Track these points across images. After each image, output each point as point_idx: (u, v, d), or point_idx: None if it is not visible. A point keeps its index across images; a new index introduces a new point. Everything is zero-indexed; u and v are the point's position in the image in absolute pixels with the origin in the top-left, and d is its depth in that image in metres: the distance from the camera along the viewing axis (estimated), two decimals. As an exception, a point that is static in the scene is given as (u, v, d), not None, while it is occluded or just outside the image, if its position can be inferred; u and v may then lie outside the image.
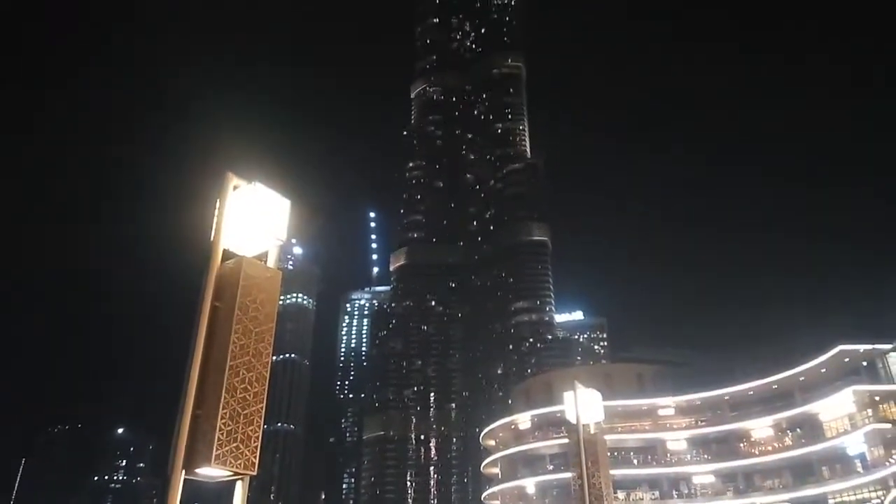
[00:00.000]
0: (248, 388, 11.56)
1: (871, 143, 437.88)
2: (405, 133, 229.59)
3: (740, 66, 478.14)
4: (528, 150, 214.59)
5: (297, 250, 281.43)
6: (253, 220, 16.40)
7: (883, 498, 60.41)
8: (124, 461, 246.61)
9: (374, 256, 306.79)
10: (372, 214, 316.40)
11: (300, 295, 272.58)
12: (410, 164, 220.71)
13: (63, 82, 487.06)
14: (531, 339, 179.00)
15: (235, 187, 16.84)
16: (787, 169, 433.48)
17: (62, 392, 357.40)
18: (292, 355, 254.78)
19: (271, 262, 15.99)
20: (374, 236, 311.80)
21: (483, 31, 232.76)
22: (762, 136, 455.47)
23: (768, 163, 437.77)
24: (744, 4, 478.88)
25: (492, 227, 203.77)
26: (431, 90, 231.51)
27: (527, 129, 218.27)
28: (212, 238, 15.33)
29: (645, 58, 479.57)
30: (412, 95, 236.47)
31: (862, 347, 63.94)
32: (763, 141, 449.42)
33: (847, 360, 65.02)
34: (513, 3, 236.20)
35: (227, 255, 14.68)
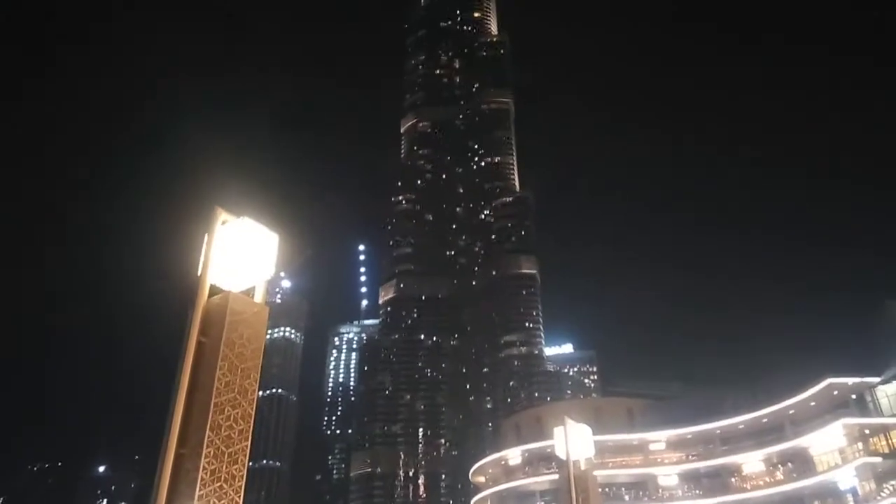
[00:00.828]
0: (233, 425, 11.36)
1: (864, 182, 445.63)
2: (395, 166, 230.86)
3: (729, 104, 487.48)
4: (516, 183, 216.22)
5: (286, 283, 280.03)
6: (241, 255, 16.33)
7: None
8: (105, 500, 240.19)
9: (363, 289, 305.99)
10: (361, 247, 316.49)
11: (288, 329, 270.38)
12: (400, 197, 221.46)
13: (46, 104, 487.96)
14: (521, 373, 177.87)
15: (224, 222, 16.81)
16: (774, 206, 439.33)
17: (43, 428, 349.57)
18: (279, 390, 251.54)
19: (259, 296, 15.87)
20: (363, 269, 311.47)
21: (472, 67, 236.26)
22: (751, 171, 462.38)
23: (757, 199, 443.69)
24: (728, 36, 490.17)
25: (481, 260, 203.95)
26: (421, 124, 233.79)
27: (515, 162, 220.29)
28: (199, 273, 15.26)
29: (630, 96, 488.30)
30: (402, 130, 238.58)
31: (850, 381, 64.02)
32: (753, 177, 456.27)
33: (836, 392, 64.98)
34: (500, 40, 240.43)
35: (214, 290, 14.58)
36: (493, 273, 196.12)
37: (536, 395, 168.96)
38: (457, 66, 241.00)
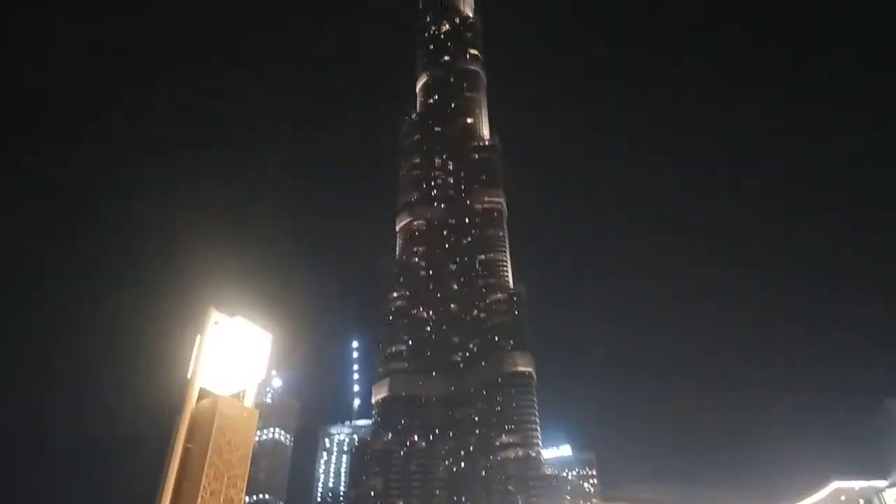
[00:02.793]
0: (217, 538, 10.78)
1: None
2: (389, 264, 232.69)
3: (726, 192, 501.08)
4: (510, 280, 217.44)
5: (277, 382, 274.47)
6: (233, 357, 16.14)
7: None
8: None
9: (356, 388, 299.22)
10: (355, 344, 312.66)
11: (277, 430, 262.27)
12: (394, 294, 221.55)
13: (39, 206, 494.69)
14: (518, 477, 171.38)
15: (217, 322, 16.72)
16: (776, 303, 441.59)
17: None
18: (266, 496, 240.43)
19: (249, 400, 15.53)
20: (356, 367, 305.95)
21: (464, 169, 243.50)
22: (743, 268, 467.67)
23: (758, 298, 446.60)
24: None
25: (476, 358, 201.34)
26: (416, 223, 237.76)
27: (509, 260, 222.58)
28: (189, 376, 15.03)
29: (614, 196, 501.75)
30: (397, 228, 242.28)
31: (857, 485, 62.19)
32: (745, 269, 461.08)
33: (843, 498, 62.84)
34: (492, 144, 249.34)
35: (204, 393, 14.28)
36: (489, 371, 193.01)
37: (535, 500, 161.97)
38: (450, 167, 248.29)
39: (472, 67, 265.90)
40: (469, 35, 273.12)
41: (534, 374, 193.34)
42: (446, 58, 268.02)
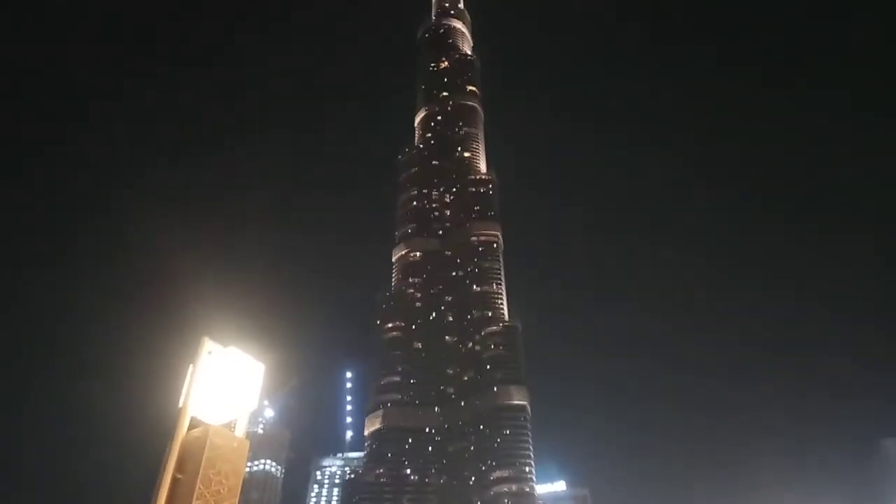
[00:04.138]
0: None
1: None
2: (385, 295, 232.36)
3: (726, 223, 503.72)
4: (505, 312, 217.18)
5: (269, 413, 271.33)
6: (225, 387, 16.22)
7: None
8: None
9: (349, 419, 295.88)
10: (349, 374, 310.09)
11: (268, 461, 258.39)
12: (389, 325, 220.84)
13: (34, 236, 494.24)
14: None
15: (210, 352, 16.84)
16: (768, 340, 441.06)
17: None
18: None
19: (240, 430, 15.55)
20: (349, 398, 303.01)
21: (461, 202, 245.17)
22: (737, 303, 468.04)
23: (748, 320, 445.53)
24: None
25: (470, 391, 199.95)
26: (412, 255, 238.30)
27: (504, 292, 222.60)
28: (180, 405, 15.07)
29: (610, 228, 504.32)
30: (393, 259, 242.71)
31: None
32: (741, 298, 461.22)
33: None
34: (488, 178, 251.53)
35: (195, 423, 14.34)
36: (483, 404, 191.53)
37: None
38: (447, 200, 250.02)
39: (470, 103, 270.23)
40: (467, 72, 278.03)
41: (528, 407, 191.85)
42: (445, 93, 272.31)
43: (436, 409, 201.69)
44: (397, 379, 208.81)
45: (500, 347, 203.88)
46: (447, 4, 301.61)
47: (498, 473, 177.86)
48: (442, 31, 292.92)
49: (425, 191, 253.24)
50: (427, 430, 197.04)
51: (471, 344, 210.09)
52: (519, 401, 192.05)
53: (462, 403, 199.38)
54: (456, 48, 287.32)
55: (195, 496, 10.74)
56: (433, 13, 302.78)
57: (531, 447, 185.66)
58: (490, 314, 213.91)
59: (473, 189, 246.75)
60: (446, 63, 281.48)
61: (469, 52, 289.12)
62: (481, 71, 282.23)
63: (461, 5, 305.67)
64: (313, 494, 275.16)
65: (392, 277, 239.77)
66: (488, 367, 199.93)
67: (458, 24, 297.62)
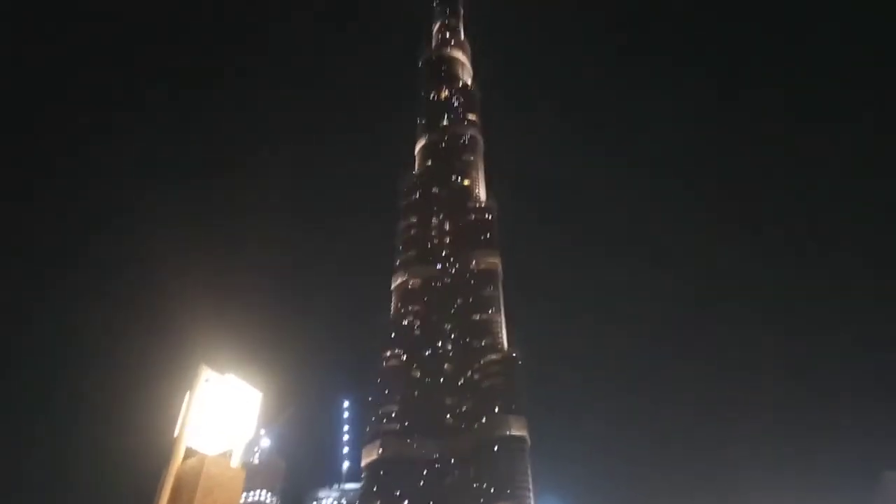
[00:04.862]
0: None
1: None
2: (384, 322, 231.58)
3: (726, 257, 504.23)
4: (505, 341, 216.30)
5: (265, 442, 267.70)
6: (222, 416, 15.93)
7: None
8: None
9: (346, 449, 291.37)
10: (346, 403, 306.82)
11: (262, 492, 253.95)
12: (388, 353, 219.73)
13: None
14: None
15: (207, 380, 16.58)
16: (767, 374, 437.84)
17: None
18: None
19: (236, 460, 15.23)
20: (346, 427, 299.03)
21: (461, 230, 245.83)
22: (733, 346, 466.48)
23: (752, 371, 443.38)
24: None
25: (469, 421, 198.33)
26: (411, 282, 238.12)
27: (504, 320, 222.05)
28: (175, 434, 14.77)
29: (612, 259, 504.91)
30: (392, 287, 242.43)
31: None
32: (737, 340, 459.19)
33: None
34: (488, 206, 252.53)
35: (190, 452, 14.01)
36: (482, 434, 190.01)
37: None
38: (447, 228, 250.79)
39: (470, 132, 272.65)
40: (467, 101, 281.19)
41: (527, 438, 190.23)
42: (445, 122, 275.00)
43: (434, 439, 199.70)
44: (395, 408, 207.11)
45: (500, 377, 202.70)
46: (447, 35, 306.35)
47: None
48: (442, 60, 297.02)
49: (425, 219, 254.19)
50: (425, 460, 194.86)
51: (470, 373, 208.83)
52: (518, 431, 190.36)
53: (461, 434, 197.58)
54: (456, 78, 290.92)
55: (189, 529, 10.44)
56: (433, 43, 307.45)
57: (530, 478, 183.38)
58: (489, 343, 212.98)
59: (473, 217, 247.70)
60: (446, 92, 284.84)
61: (469, 82, 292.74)
62: (481, 99, 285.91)
63: (461, 36, 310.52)
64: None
65: (391, 305, 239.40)
66: (487, 397, 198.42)
67: (458, 54, 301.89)
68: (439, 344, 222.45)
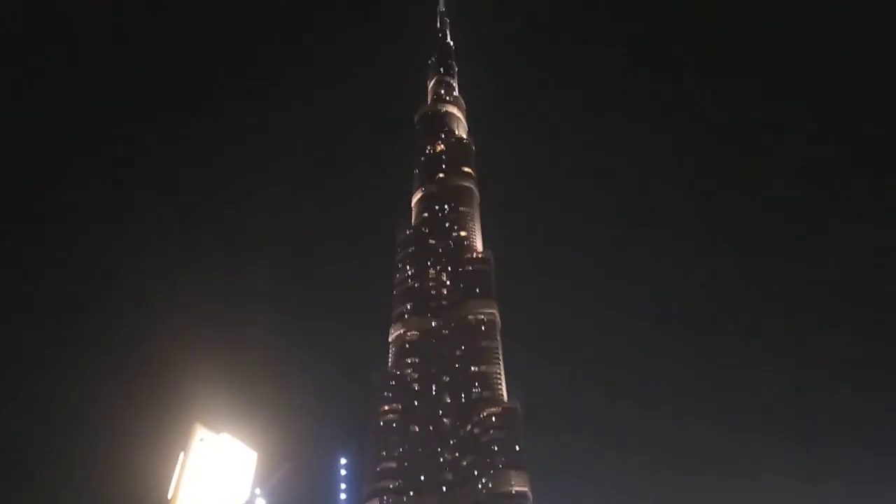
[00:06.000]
0: None
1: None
2: (381, 376, 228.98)
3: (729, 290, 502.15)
4: (504, 393, 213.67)
5: (260, 502, 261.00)
6: (216, 477, 15.66)
7: None
8: None
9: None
10: (343, 461, 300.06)
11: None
12: (386, 407, 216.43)
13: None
14: None
15: (202, 439, 16.37)
16: (761, 399, 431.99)
17: None
18: None
19: (230, 522, 14.94)
20: (343, 485, 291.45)
21: (458, 281, 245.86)
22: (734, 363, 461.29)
23: (744, 399, 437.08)
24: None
25: (469, 476, 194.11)
26: (409, 334, 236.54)
27: (503, 372, 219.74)
28: (169, 496, 14.49)
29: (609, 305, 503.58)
30: (389, 339, 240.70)
31: None
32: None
33: None
34: (485, 257, 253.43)
35: (184, 516, 13.76)
36: (482, 490, 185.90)
37: None
38: (444, 279, 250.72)
39: (466, 184, 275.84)
40: (462, 154, 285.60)
41: (529, 494, 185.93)
42: (441, 174, 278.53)
43: (433, 496, 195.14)
44: (394, 465, 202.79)
45: (500, 430, 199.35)
46: (443, 91, 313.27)
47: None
48: (438, 115, 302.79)
49: (422, 270, 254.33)
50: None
51: (469, 426, 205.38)
52: (519, 487, 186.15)
53: (460, 490, 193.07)
54: (451, 132, 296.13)
55: None
56: (429, 98, 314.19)
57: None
58: (488, 395, 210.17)
59: (470, 268, 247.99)
60: (442, 146, 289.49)
61: (464, 136, 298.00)
62: (476, 153, 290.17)
63: (456, 92, 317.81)
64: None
65: (388, 358, 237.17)
66: (487, 451, 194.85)
67: (454, 110, 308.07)
68: (438, 396, 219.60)
